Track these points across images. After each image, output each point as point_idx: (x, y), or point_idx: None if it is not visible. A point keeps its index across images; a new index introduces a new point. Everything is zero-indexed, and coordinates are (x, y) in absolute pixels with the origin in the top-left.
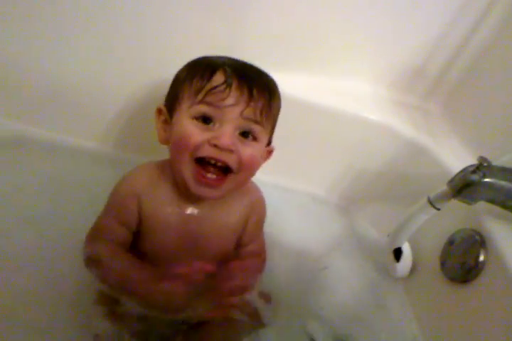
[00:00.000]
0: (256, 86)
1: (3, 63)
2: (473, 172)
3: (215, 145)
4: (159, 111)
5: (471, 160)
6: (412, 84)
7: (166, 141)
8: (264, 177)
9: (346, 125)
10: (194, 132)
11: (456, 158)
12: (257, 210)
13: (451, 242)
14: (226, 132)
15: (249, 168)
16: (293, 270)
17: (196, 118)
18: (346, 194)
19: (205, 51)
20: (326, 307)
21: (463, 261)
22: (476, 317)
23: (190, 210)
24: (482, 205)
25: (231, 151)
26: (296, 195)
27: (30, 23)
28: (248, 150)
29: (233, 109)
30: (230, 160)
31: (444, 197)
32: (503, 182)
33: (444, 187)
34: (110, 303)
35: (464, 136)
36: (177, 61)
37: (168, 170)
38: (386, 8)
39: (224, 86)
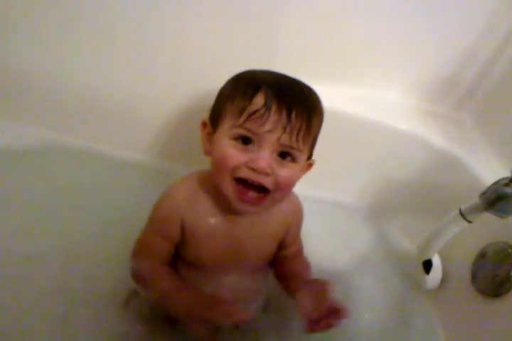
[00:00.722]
0: (295, 107)
1: (40, 72)
2: (507, 185)
3: (252, 168)
4: (204, 125)
5: (503, 172)
6: (444, 94)
7: (210, 153)
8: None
9: (378, 135)
10: (233, 154)
11: (488, 170)
12: (297, 216)
13: (483, 255)
14: (263, 156)
15: (286, 187)
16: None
17: (236, 139)
18: (376, 203)
19: (242, 63)
20: (352, 320)
21: (494, 275)
22: (506, 332)
23: (232, 219)
24: None
25: (267, 174)
26: (326, 204)
27: (72, 33)
28: (285, 171)
29: (271, 135)
30: (267, 181)
31: (476, 209)
32: None
33: (475, 200)
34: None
35: (496, 147)
36: (218, 72)
37: (209, 181)
38: (418, 19)
39: (263, 110)
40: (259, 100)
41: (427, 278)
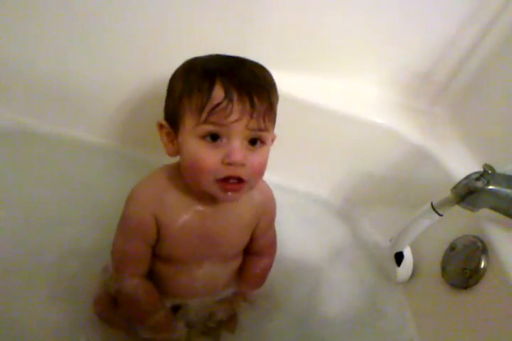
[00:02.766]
0: (256, 92)
1: (11, 61)
2: (478, 179)
3: (229, 163)
4: (161, 126)
5: (476, 167)
6: (419, 88)
7: (174, 154)
8: (266, 177)
9: (352, 127)
10: (206, 154)
11: (461, 164)
12: (268, 208)
13: (452, 248)
14: (235, 147)
15: (261, 174)
16: (292, 272)
17: (203, 137)
18: (349, 196)
19: (210, 50)
20: (324, 310)
21: (464, 267)
22: (475, 323)
23: (204, 211)
24: (485, 212)
25: (243, 165)
26: (298, 195)
27: (36, 22)
28: (258, 158)
29: (238, 124)
30: (243, 173)
31: (448, 203)
32: (506, 190)
33: (447, 194)
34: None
35: (469, 142)
36: (182, 59)
37: (176, 174)
38: (396, 13)
39: (225, 102)
40: (218, 93)
41: (399, 271)
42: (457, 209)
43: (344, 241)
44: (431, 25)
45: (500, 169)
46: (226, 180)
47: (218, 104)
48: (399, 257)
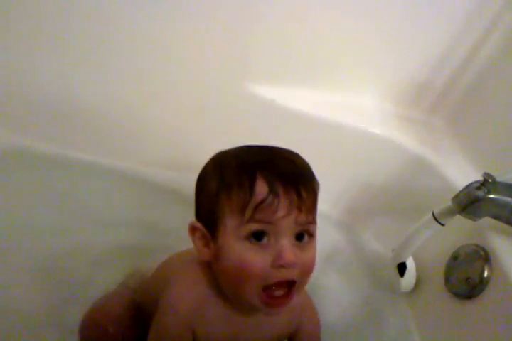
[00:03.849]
0: (301, 184)
1: (12, 78)
2: (478, 188)
3: (281, 265)
4: (193, 229)
5: (475, 176)
6: (417, 99)
7: (210, 259)
8: None
9: (351, 139)
10: (254, 259)
11: (461, 173)
12: (308, 314)
13: (455, 257)
14: (286, 248)
15: (311, 271)
16: None
17: (248, 238)
18: (350, 208)
19: (213, 64)
20: (326, 321)
21: (467, 277)
22: (480, 333)
23: (242, 321)
24: (487, 221)
25: (295, 265)
26: None
27: (42, 40)
28: (308, 255)
29: (286, 219)
30: (295, 275)
31: (449, 212)
32: (507, 199)
33: (448, 203)
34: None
35: (468, 151)
36: (181, 72)
37: (215, 283)
38: (392, 24)
39: (271, 197)
40: (261, 188)
41: (402, 281)
42: (458, 218)
43: (346, 253)
44: (428, 36)
45: (500, 178)
46: (272, 292)
47: (263, 200)
48: (402, 267)
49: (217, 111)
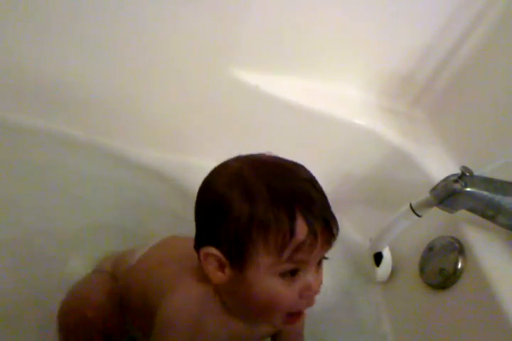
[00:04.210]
0: (333, 219)
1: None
2: (456, 181)
3: (308, 296)
4: (207, 255)
5: (454, 169)
6: (400, 90)
7: (225, 282)
8: None
9: (333, 129)
10: (286, 293)
11: (440, 166)
12: None
13: (430, 249)
14: (315, 280)
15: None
16: None
17: (282, 275)
18: (330, 199)
19: (198, 50)
20: None
21: (441, 268)
22: (452, 323)
23: (238, 325)
24: (462, 213)
25: (319, 292)
26: None
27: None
28: (321, 276)
29: (319, 255)
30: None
31: (426, 204)
32: (483, 192)
33: (426, 195)
34: None
35: (448, 143)
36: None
37: (214, 292)
38: (377, 16)
39: (311, 239)
40: (301, 228)
41: (378, 271)
42: (435, 210)
43: None
44: (413, 29)
45: (478, 171)
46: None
47: (304, 242)
48: (378, 257)
49: (201, 94)
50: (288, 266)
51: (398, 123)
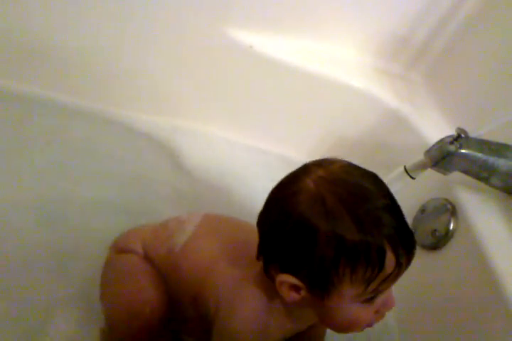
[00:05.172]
0: (414, 247)
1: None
2: (451, 143)
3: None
4: (282, 283)
5: (449, 131)
6: (396, 52)
7: (298, 300)
8: (240, 139)
9: (328, 90)
10: (366, 316)
11: (435, 128)
12: None
13: (423, 210)
14: (392, 298)
15: None
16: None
17: (364, 301)
18: None
19: (192, 10)
20: None
21: (434, 229)
22: (442, 282)
23: (295, 325)
24: (455, 176)
25: None
26: (273, 157)
27: None
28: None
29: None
30: None
31: (421, 166)
32: (478, 154)
33: (420, 157)
34: None
35: (444, 106)
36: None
37: (274, 297)
38: None
39: (397, 270)
40: (390, 262)
41: None
42: (429, 172)
43: None
44: None
45: (473, 134)
46: None
47: (390, 274)
48: None
49: (194, 54)
50: (371, 295)
51: (394, 86)
